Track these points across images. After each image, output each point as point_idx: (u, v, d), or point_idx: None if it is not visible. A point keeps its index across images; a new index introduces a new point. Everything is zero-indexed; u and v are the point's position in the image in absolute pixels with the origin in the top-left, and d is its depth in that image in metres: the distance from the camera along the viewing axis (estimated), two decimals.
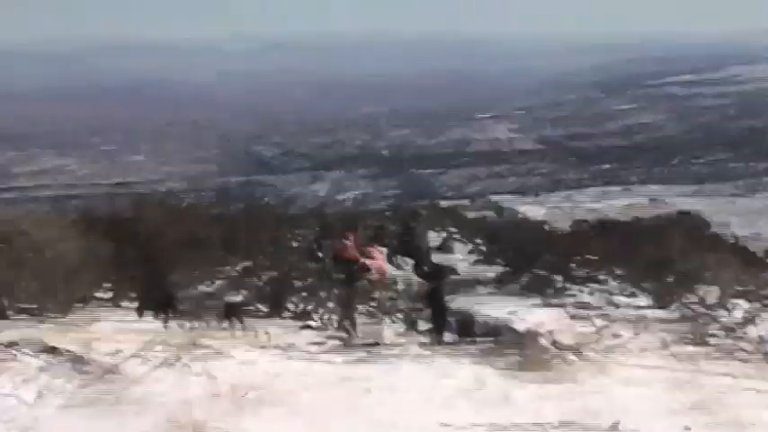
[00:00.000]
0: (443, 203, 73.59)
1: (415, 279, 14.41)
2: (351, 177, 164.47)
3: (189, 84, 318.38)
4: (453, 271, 19.11)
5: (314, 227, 35.62)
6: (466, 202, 79.76)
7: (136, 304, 18.86)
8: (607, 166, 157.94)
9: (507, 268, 30.07)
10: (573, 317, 15.88)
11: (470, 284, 28.81)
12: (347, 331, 13.76)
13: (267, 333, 16.34)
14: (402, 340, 13.31)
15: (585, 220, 40.48)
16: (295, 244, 30.48)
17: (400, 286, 21.88)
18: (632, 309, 21.40)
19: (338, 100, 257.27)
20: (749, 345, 13.92)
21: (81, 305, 19.60)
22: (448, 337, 13.55)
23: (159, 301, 18.64)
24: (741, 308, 20.41)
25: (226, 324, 17.21)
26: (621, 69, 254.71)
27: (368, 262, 15.12)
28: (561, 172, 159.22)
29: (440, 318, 13.28)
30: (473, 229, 43.87)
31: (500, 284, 29.00)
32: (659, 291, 24.42)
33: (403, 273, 16.11)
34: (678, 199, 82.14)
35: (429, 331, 13.31)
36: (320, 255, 14.48)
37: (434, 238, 35.30)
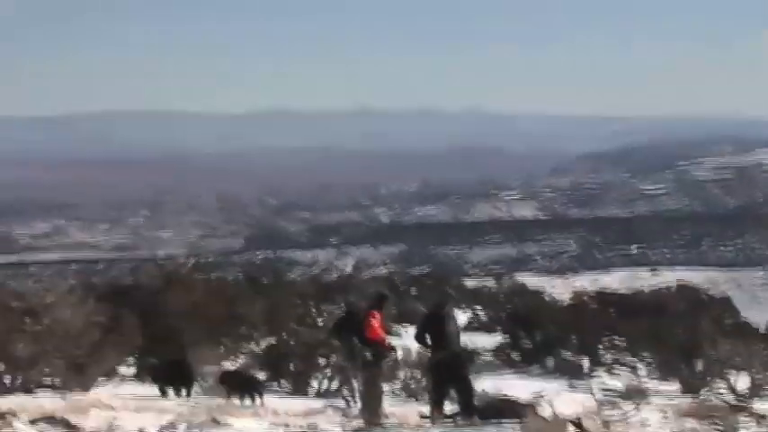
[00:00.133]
0: (468, 282, 73.29)
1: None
2: (377, 253, 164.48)
3: (217, 157, 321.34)
4: (476, 356, 18.88)
5: (339, 304, 35.54)
6: (491, 280, 79.24)
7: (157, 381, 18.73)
8: (634, 247, 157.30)
9: (531, 349, 29.89)
10: (599, 401, 15.60)
11: (495, 365, 28.63)
12: (373, 412, 13.56)
13: (262, 404, 16.19)
14: (427, 423, 13.09)
15: (613, 296, 40.17)
16: (320, 321, 30.41)
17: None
18: (661, 394, 21.03)
19: (367, 175, 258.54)
20: None
21: (104, 380, 19.53)
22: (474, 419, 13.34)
23: (181, 378, 18.51)
24: None
25: (246, 401, 17.05)
26: (648, 151, 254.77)
27: (393, 341, 15.03)
28: (587, 252, 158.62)
29: (467, 400, 13.09)
30: (498, 310, 43.60)
31: (525, 365, 28.77)
32: (688, 377, 24.10)
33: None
34: (707, 283, 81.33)
35: (457, 414, 13.12)
36: (346, 334, 14.31)
37: (458, 315, 35.02)
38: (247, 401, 17.03)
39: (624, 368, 27.45)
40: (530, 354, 29.38)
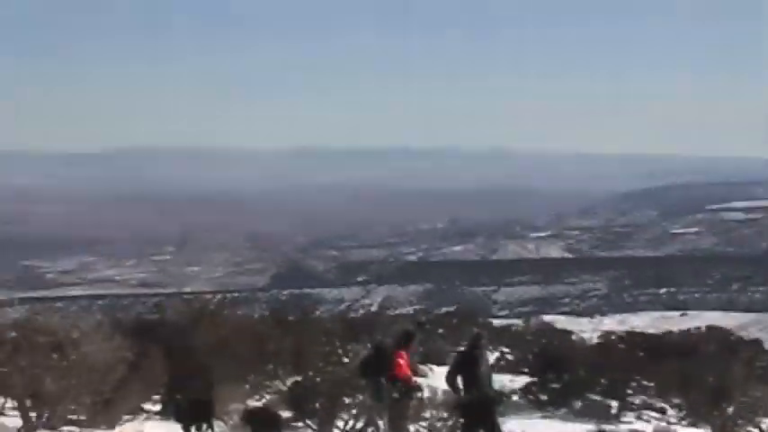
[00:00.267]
0: (496, 322, 72.93)
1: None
2: (403, 292, 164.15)
3: (248, 193, 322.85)
4: (506, 396, 18.70)
5: (365, 342, 35.37)
6: (518, 320, 78.87)
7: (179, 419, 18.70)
8: (663, 289, 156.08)
9: (559, 390, 29.60)
10: None
11: (522, 406, 28.36)
12: None
13: None
14: None
15: (642, 338, 39.86)
16: (346, 360, 30.26)
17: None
18: None
19: (395, 213, 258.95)
20: None
21: (129, 417, 19.51)
22: None
23: (202, 416, 18.51)
24: None
25: None
26: (679, 192, 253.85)
27: (419, 380, 14.94)
28: (616, 294, 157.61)
29: None
30: (525, 350, 43.30)
31: (552, 407, 28.48)
32: (719, 422, 23.77)
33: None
34: (737, 326, 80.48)
35: None
36: (373, 373, 14.23)
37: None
38: None
39: (653, 412, 27.11)
40: (557, 395, 29.09)
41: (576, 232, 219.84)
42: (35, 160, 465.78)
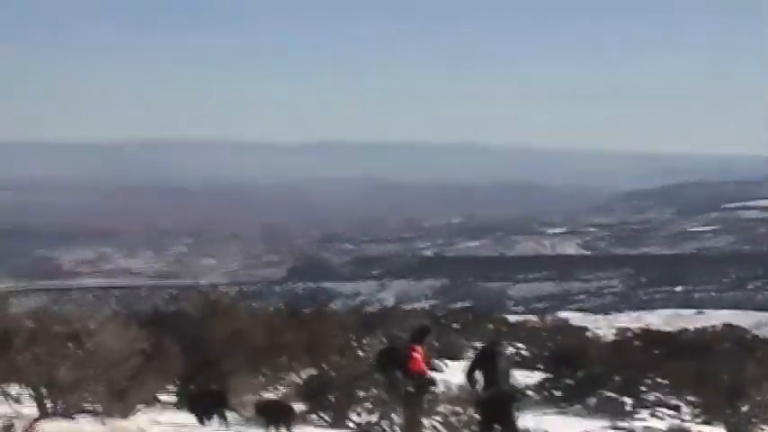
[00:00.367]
0: (511, 318, 72.83)
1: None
2: (419, 287, 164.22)
3: (263, 186, 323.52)
4: (524, 394, 18.68)
5: (380, 336, 35.43)
6: (533, 317, 78.64)
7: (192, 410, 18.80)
8: (679, 288, 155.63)
9: (574, 387, 29.56)
10: None
11: (537, 403, 28.32)
12: None
13: None
14: None
15: (657, 335, 39.77)
16: (361, 353, 30.30)
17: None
18: None
19: (411, 208, 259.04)
20: None
21: (144, 407, 19.59)
22: None
23: (214, 407, 18.62)
24: None
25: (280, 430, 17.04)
26: (695, 190, 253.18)
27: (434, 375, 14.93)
28: (631, 291, 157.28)
29: None
30: (540, 346, 43.27)
31: (567, 404, 28.45)
32: (733, 420, 23.72)
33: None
34: (753, 324, 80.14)
35: None
36: (388, 367, 14.24)
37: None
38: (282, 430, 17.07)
39: (667, 409, 27.04)
40: (572, 392, 29.06)
41: (592, 229, 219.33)
42: (52, 150, 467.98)
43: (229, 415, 19.26)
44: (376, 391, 21.14)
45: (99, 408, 17.28)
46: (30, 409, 12.86)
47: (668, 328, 54.80)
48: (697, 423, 24.93)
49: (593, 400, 28.04)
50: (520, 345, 45.93)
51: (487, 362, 13.34)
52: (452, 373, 29.63)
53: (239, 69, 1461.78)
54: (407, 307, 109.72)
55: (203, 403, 18.68)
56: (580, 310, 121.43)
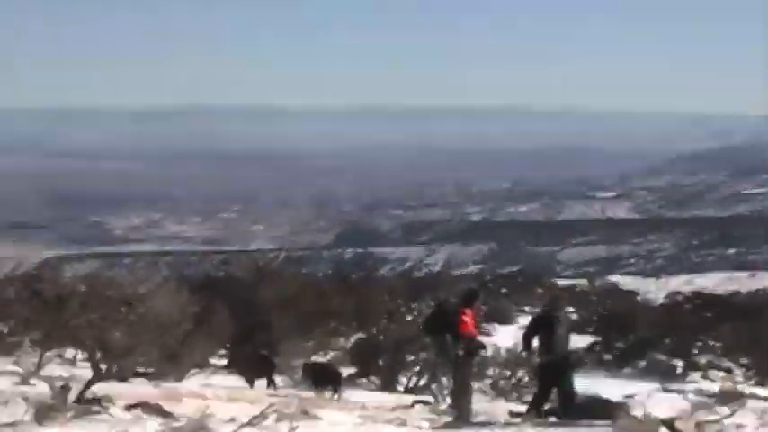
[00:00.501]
0: (560, 282, 72.58)
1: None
2: (467, 252, 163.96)
3: (313, 152, 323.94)
4: (580, 359, 18.62)
5: (429, 301, 35.52)
6: (583, 281, 78.25)
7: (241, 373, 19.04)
8: (732, 250, 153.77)
9: (624, 350, 29.46)
10: (693, 403, 15.28)
11: (587, 366, 28.26)
12: (462, 408, 13.49)
13: (338, 398, 16.25)
14: (516, 420, 12.97)
15: (709, 298, 39.39)
16: (410, 318, 30.44)
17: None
18: (757, 398, 20.48)
19: (460, 172, 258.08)
20: None
21: (196, 371, 19.88)
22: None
23: (263, 370, 18.83)
24: None
25: (326, 392, 17.17)
26: (749, 151, 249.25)
27: (484, 339, 14.93)
28: (683, 254, 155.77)
29: (567, 403, 12.96)
30: (590, 310, 43.13)
31: (617, 367, 28.38)
32: None
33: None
34: None
35: (551, 413, 12.97)
36: (437, 330, 14.26)
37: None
38: (328, 393, 17.21)
39: (719, 371, 26.87)
40: (622, 355, 28.98)
41: (644, 192, 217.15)
42: (104, 117, 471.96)
43: (279, 378, 19.47)
44: (425, 354, 21.24)
45: (152, 371, 17.59)
46: (85, 371, 13.09)
47: (720, 291, 54.26)
48: (750, 385, 24.72)
49: (642, 363, 27.96)
50: (569, 309, 45.85)
51: (545, 326, 13.31)
52: (501, 337, 29.70)
53: (283, 35, 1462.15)
54: (455, 272, 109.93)
55: (253, 367, 18.92)
56: (631, 273, 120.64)
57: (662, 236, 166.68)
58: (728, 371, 27.18)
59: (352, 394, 17.81)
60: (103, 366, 12.16)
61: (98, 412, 9.90)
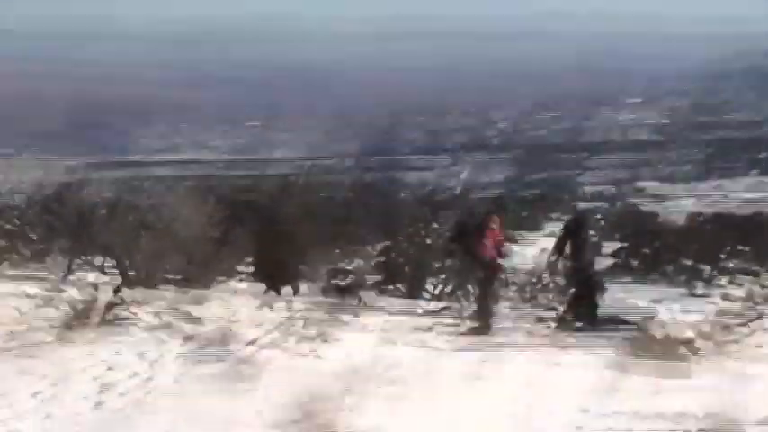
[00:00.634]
0: (588, 189, 72.34)
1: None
2: (491, 170, 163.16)
3: (335, 69, 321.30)
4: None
5: (451, 219, 35.48)
6: (612, 188, 77.88)
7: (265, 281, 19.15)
8: (764, 154, 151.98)
9: (651, 256, 29.41)
10: (720, 307, 15.28)
11: (614, 272, 28.26)
12: (487, 315, 13.49)
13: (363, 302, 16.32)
14: (539, 326, 13.02)
15: (738, 204, 39.14)
16: (435, 226, 30.49)
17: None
18: None
19: (486, 85, 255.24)
20: None
21: (223, 278, 20.04)
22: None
23: (286, 278, 18.92)
24: None
25: (350, 300, 17.25)
26: None
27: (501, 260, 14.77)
28: (711, 161, 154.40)
29: (594, 309, 13.00)
30: (617, 215, 43.07)
31: (644, 273, 28.36)
32: None
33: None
34: None
35: (578, 319, 13.01)
36: (458, 251, 14.20)
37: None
38: (352, 301, 17.27)
39: (747, 275, 26.79)
40: (649, 261, 28.96)
41: (674, 97, 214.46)
42: (128, 26, 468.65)
43: (304, 286, 19.59)
44: (450, 262, 21.22)
45: (179, 278, 17.75)
46: (113, 278, 13.21)
47: (749, 196, 53.89)
48: None
49: (669, 269, 27.94)
50: (597, 216, 45.85)
51: (575, 234, 13.28)
52: (526, 247, 29.72)
53: None
54: (479, 190, 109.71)
55: (278, 274, 18.99)
56: (659, 179, 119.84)
57: (691, 141, 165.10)
58: (755, 274, 27.09)
59: (377, 302, 17.87)
60: (131, 273, 12.26)
61: (126, 318, 10.00)
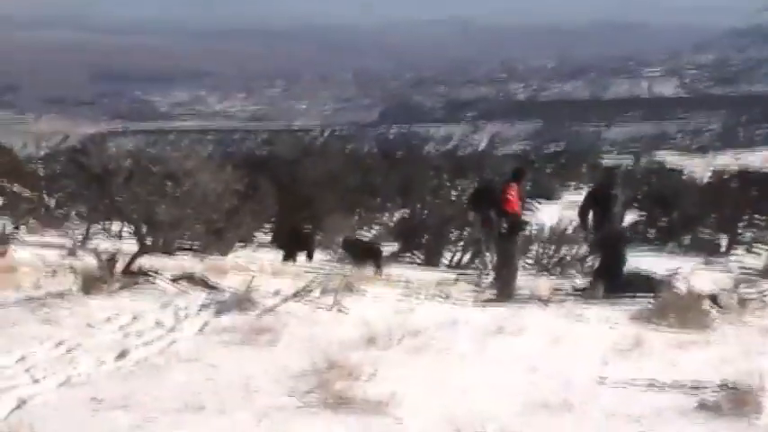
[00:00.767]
0: (606, 159, 72.01)
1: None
2: (512, 130, 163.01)
3: (355, 30, 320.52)
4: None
5: (473, 179, 35.40)
6: (629, 159, 77.54)
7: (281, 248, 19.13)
8: None
9: (668, 226, 29.26)
10: (737, 278, 15.20)
11: (632, 242, 28.15)
12: (506, 283, 13.49)
13: (380, 273, 16.27)
14: (557, 294, 12.99)
15: (755, 175, 38.87)
16: (455, 193, 30.44)
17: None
18: None
19: (505, 50, 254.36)
20: None
21: (241, 245, 20.10)
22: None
23: (301, 245, 18.87)
24: None
25: (367, 268, 17.21)
26: None
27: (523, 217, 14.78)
28: (730, 131, 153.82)
29: (617, 277, 12.99)
30: (635, 188, 42.85)
31: (661, 243, 28.22)
32: None
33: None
34: None
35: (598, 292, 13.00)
36: (482, 206, 14.16)
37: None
38: (369, 269, 17.22)
39: (764, 247, 26.63)
40: (666, 231, 28.83)
41: (691, 69, 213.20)
42: None
43: (322, 253, 19.60)
44: (469, 230, 21.19)
45: (198, 245, 17.82)
46: (130, 245, 13.24)
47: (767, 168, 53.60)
48: None
49: (686, 239, 27.81)
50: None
51: (601, 202, 13.24)
52: (545, 214, 29.65)
53: None
54: (500, 150, 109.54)
55: (293, 241, 18.96)
56: (678, 149, 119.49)
57: (709, 112, 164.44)
58: None
59: (394, 270, 17.86)
60: (149, 240, 12.29)
61: (144, 284, 10.05)
